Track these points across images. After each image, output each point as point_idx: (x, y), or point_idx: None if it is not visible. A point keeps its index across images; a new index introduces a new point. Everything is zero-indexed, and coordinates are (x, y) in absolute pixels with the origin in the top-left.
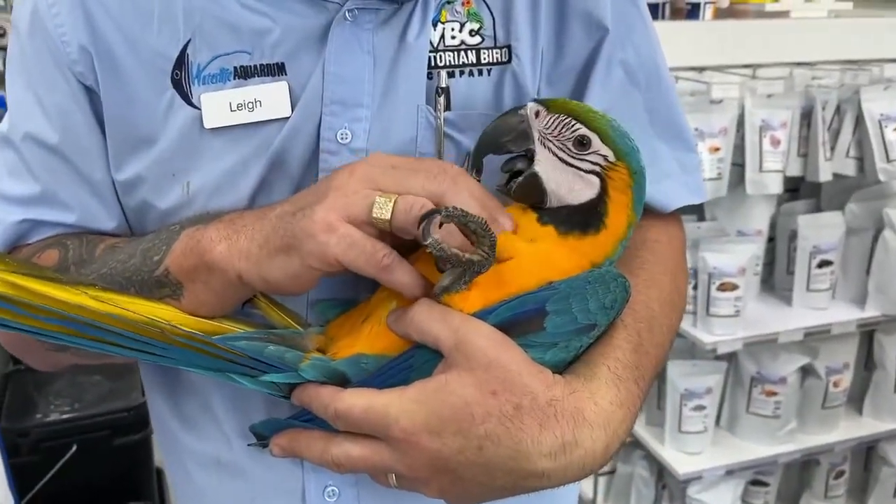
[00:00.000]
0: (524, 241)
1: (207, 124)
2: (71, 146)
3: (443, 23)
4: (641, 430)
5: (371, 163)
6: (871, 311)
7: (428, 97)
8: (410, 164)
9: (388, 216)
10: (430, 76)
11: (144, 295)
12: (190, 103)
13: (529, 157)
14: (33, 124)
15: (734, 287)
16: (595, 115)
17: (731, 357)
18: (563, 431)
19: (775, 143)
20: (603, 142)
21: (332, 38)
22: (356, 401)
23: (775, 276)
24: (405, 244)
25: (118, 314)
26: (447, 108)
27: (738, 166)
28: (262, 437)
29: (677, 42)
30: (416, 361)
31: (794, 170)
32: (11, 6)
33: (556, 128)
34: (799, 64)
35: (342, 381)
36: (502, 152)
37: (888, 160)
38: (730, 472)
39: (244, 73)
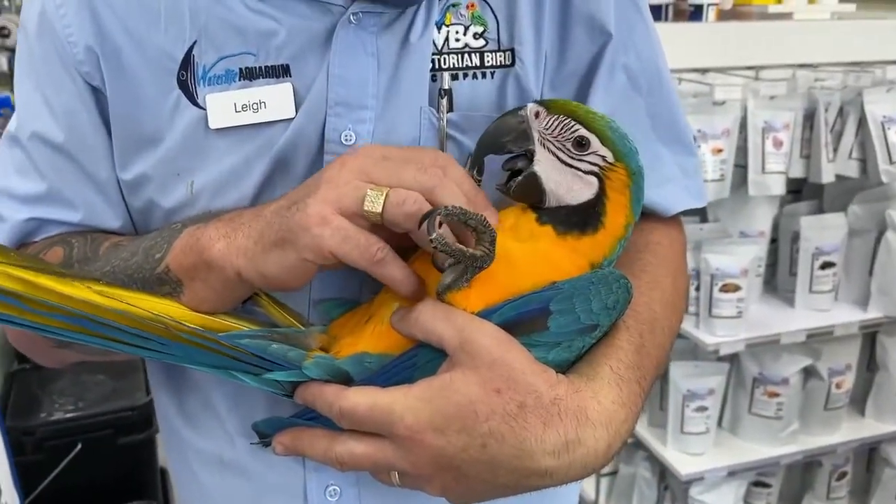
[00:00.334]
0: (523, 240)
1: (212, 125)
2: (77, 145)
3: (447, 26)
4: (644, 431)
5: (363, 154)
6: (873, 313)
7: (431, 99)
8: (402, 155)
9: (379, 209)
10: (434, 78)
11: (147, 292)
12: (195, 104)
13: (529, 157)
14: (40, 124)
15: (736, 288)
16: (594, 116)
17: (733, 358)
18: (567, 430)
19: (778, 144)
20: (602, 143)
21: (336, 40)
22: (361, 399)
23: (778, 278)
24: (402, 247)
25: (123, 310)
26: (450, 109)
27: (741, 168)
28: (264, 435)
29: (680, 43)
30: (419, 360)
31: (797, 171)
32: (16, 6)
33: (555, 128)
34: (802, 66)
35: (345, 380)
36: (503, 152)
37: (891, 162)
38: (732, 473)
39: (249, 75)
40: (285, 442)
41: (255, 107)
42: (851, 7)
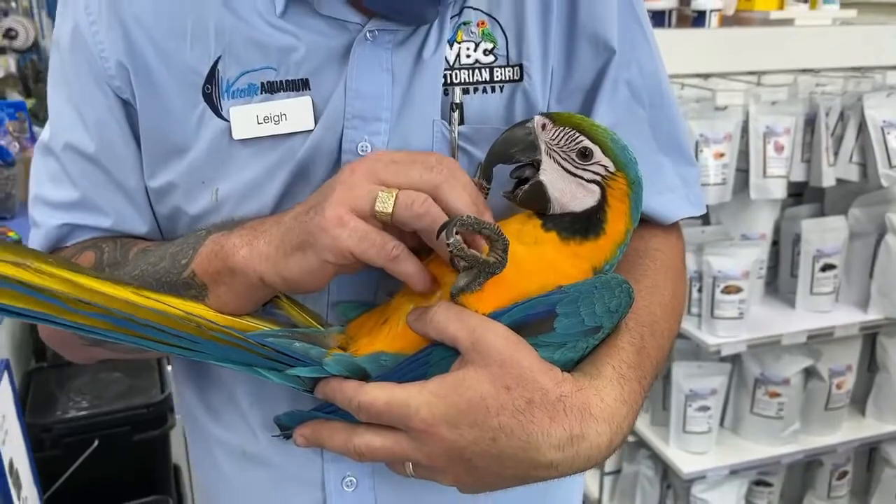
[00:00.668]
0: (528, 245)
1: (236, 136)
2: (107, 156)
3: (459, 42)
4: (646, 430)
5: (373, 158)
6: (873, 315)
7: (443, 112)
8: (409, 157)
9: (389, 210)
10: (445, 92)
11: (174, 295)
12: (220, 116)
13: (536, 166)
14: (73, 135)
15: (738, 290)
16: (597, 128)
17: (735, 359)
18: (572, 425)
19: (779, 149)
20: (604, 153)
21: (353, 56)
22: (379, 394)
23: (779, 280)
24: (414, 249)
25: (159, 309)
26: (461, 122)
27: (743, 172)
28: (285, 428)
29: (683, 49)
30: (433, 358)
31: (798, 175)
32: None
33: (561, 139)
34: (803, 71)
35: (363, 377)
36: (511, 162)
37: (891, 166)
38: (734, 472)
39: (270, 88)
40: (306, 434)
41: (276, 119)
42: (852, 13)
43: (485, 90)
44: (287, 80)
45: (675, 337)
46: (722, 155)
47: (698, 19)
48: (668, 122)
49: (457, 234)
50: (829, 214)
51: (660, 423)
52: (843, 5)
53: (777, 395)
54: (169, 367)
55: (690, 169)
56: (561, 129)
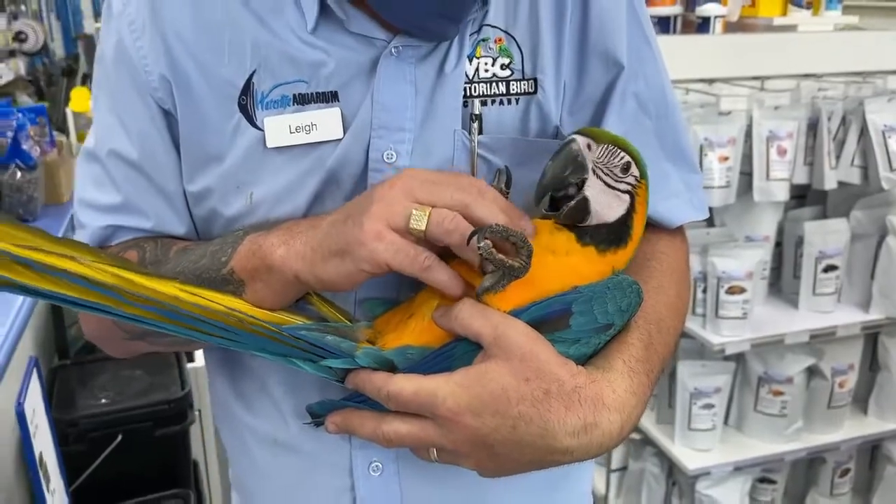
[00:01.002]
0: (559, 255)
1: (269, 144)
2: (149, 162)
3: (478, 58)
4: (652, 428)
5: (409, 177)
6: (875, 315)
7: (463, 122)
8: (443, 179)
9: (423, 227)
10: (465, 104)
11: (215, 290)
12: (254, 125)
13: (579, 184)
14: (117, 143)
15: (742, 290)
16: (627, 142)
17: (739, 358)
18: (586, 414)
19: (782, 152)
20: (637, 165)
21: (379, 70)
22: (407, 384)
23: (782, 280)
24: (443, 253)
25: (204, 304)
26: (480, 132)
27: (746, 175)
28: (316, 416)
29: (688, 55)
30: (457, 352)
31: (801, 178)
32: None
33: (605, 157)
34: (806, 76)
35: (390, 369)
36: (564, 186)
37: (891, 169)
38: (738, 469)
39: (302, 100)
40: (337, 422)
41: (307, 128)
42: (854, 19)
43: (501, 102)
44: (317, 93)
45: (680, 334)
46: (726, 158)
47: (703, 25)
48: (672, 132)
49: (487, 238)
50: (831, 217)
51: (665, 420)
52: (846, 11)
53: (780, 393)
54: (189, 365)
55: (694, 175)
56: (604, 146)
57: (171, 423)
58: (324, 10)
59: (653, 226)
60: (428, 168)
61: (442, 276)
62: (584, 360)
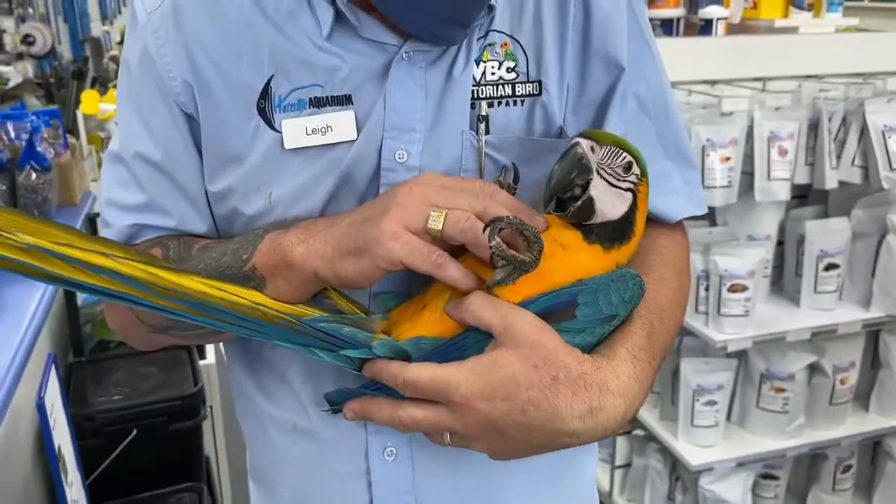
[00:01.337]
0: (568, 252)
1: (287, 146)
2: (172, 164)
3: (484, 62)
4: (656, 425)
5: (425, 182)
6: (875, 312)
7: (471, 123)
8: (457, 184)
9: (439, 227)
10: (473, 106)
11: (238, 285)
12: (272, 128)
13: (585, 185)
14: (141, 145)
15: (744, 288)
16: (628, 143)
17: (741, 355)
18: (591, 398)
19: (783, 152)
20: (637, 164)
21: (391, 74)
22: (422, 371)
23: (784, 279)
24: (454, 249)
25: (231, 298)
26: (487, 132)
27: (748, 175)
28: (334, 403)
29: (691, 56)
30: (469, 342)
31: (802, 178)
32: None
33: (608, 158)
34: (807, 77)
35: (405, 358)
36: (570, 188)
37: (891, 168)
38: (740, 465)
39: (318, 103)
40: (355, 408)
41: (322, 130)
42: (854, 21)
43: (507, 103)
44: (332, 96)
45: (681, 324)
46: (728, 159)
47: (705, 27)
48: (672, 132)
49: (501, 231)
50: (832, 216)
51: (668, 417)
52: (846, 13)
53: (782, 390)
54: (201, 363)
55: (693, 172)
56: (606, 147)
57: (184, 419)
58: (338, 17)
59: (654, 221)
60: (438, 167)
61: (454, 272)
62: (589, 349)
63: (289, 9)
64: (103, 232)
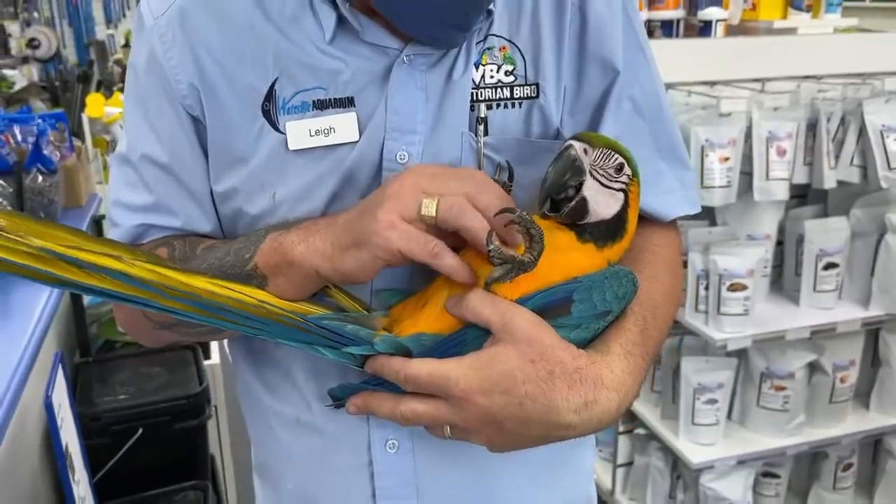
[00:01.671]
0: (562, 252)
1: (291, 147)
2: (178, 165)
3: (483, 65)
4: (657, 423)
5: (417, 172)
6: (875, 311)
7: (470, 125)
8: (447, 172)
9: (433, 213)
10: (472, 108)
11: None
12: (276, 129)
13: (578, 185)
14: (148, 147)
15: (743, 287)
16: (620, 144)
17: (741, 353)
18: (586, 392)
19: (781, 153)
20: (629, 165)
21: (392, 77)
22: (422, 367)
23: (784, 278)
24: (455, 246)
25: (237, 297)
26: (486, 134)
27: (747, 175)
28: (337, 399)
29: (690, 58)
30: (468, 338)
31: (801, 177)
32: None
33: (600, 159)
34: (806, 77)
35: (405, 354)
36: (564, 189)
37: (890, 168)
38: (741, 462)
39: (321, 105)
40: (358, 403)
41: (325, 132)
42: (853, 21)
43: (506, 106)
44: (335, 98)
45: (673, 319)
46: (727, 159)
47: (704, 29)
48: (666, 133)
49: (507, 224)
50: (831, 215)
51: (669, 416)
52: (845, 13)
53: (782, 388)
54: (206, 362)
55: (687, 173)
56: (599, 150)
57: (189, 418)
58: (341, 21)
59: (648, 220)
60: None
61: (450, 261)
62: (584, 344)
63: (292, 13)
64: (111, 232)
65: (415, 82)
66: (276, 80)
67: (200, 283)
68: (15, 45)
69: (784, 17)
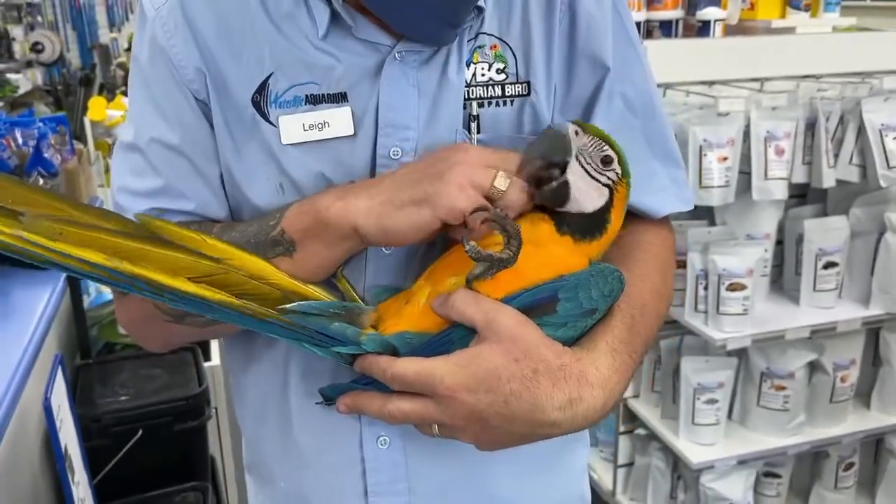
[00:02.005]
0: (541, 246)
1: (284, 141)
2: (189, 146)
3: (475, 63)
4: (657, 424)
5: (474, 148)
6: (875, 310)
7: (463, 123)
8: (497, 155)
9: (505, 188)
10: (464, 106)
11: (259, 255)
12: (268, 121)
13: (562, 168)
14: (157, 130)
15: (743, 287)
16: (614, 140)
17: (741, 353)
18: (571, 390)
19: (779, 152)
20: (619, 162)
21: (384, 73)
22: (409, 365)
23: (784, 277)
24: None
25: (223, 299)
26: (479, 131)
27: (745, 174)
28: (328, 398)
29: (689, 58)
30: (454, 337)
31: (800, 177)
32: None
33: (589, 146)
34: (804, 77)
35: (392, 352)
36: (546, 158)
37: (889, 167)
38: (742, 462)
39: (314, 100)
40: (347, 402)
41: (319, 126)
42: (852, 21)
43: (497, 103)
44: (328, 94)
45: (664, 317)
46: (725, 159)
47: (703, 29)
48: (658, 131)
49: (484, 222)
50: (831, 214)
51: (670, 416)
52: (843, 12)
53: (783, 388)
54: (206, 364)
55: (679, 171)
56: (589, 137)
57: (189, 419)
58: (334, 17)
59: (639, 217)
60: None
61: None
62: (571, 342)
63: (287, 9)
64: None
65: (407, 79)
66: (270, 74)
67: (187, 287)
68: (19, 49)
69: (782, 16)
